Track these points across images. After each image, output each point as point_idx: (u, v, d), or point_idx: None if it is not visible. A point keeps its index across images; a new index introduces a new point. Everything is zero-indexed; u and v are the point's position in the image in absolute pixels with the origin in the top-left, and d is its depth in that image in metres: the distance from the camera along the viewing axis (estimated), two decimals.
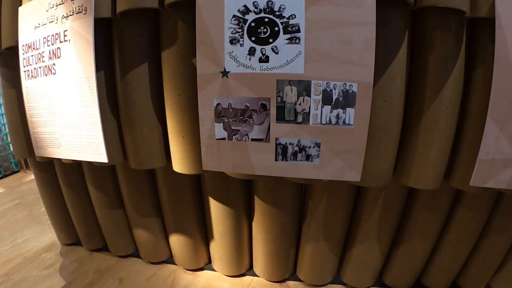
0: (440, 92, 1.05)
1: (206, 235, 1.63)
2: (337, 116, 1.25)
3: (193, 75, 1.10)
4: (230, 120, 1.14)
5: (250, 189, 1.49)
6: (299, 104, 1.23)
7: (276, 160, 1.20)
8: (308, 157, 1.29)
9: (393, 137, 1.17)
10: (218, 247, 1.58)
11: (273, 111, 1.14)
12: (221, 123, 1.16)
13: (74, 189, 1.64)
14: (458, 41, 1.00)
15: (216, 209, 1.49)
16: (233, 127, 1.16)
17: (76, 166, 1.56)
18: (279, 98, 1.13)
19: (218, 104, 1.13)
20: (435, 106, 1.08)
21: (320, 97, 1.24)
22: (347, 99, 1.22)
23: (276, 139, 1.17)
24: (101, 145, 1.18)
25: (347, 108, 1.24)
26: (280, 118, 1.16)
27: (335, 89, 1.22)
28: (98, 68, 1.13)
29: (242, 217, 1.53)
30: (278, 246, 1.50)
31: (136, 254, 1.79)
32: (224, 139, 1.17)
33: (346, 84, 1.20)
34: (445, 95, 1.05)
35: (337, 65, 1.15)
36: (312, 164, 1.30)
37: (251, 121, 1.14)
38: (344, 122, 1.24)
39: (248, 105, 1.13)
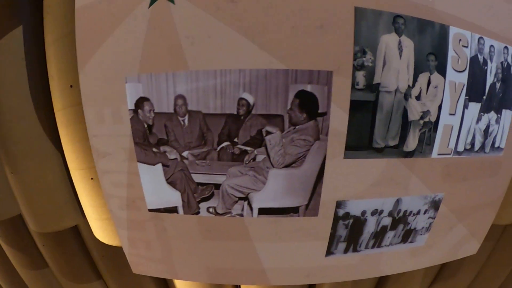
0: None
1: None
2: (486, 131, 0.55)
3: None
4: (187, 152, 0.45)
5: None
6: (416, 97, 0.46)
7: (329, 253, 0.54)
8: (408, 235, 0.57)
9: None
10: None
11: (338, 121, 0.46)
12: (159, 163, 0.45)
13: None
14: None
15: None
16: (194, 175, 0.46)
17: None
18: (362, 75, 0.42)
19: (140, 101, 0.45)
20: None
21: (465, 76, 0.49)
22: (507, 88, 0.54)
23: (339, 205, 0.48)
24: None
25: (503, 111, 0.56)
26: (359, 141, 0.46)
27: (491, 58, 0.51)
28: None
29: None
30: None
31: None
32: (174, 210, 0.48)
33: (507, 49, 0.52)
34: None
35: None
36: (410, 248, 0.59)
37: (259, 157, 0.46)
38: (493, 144, 0.57)
39: (249, 100, 0.47)
